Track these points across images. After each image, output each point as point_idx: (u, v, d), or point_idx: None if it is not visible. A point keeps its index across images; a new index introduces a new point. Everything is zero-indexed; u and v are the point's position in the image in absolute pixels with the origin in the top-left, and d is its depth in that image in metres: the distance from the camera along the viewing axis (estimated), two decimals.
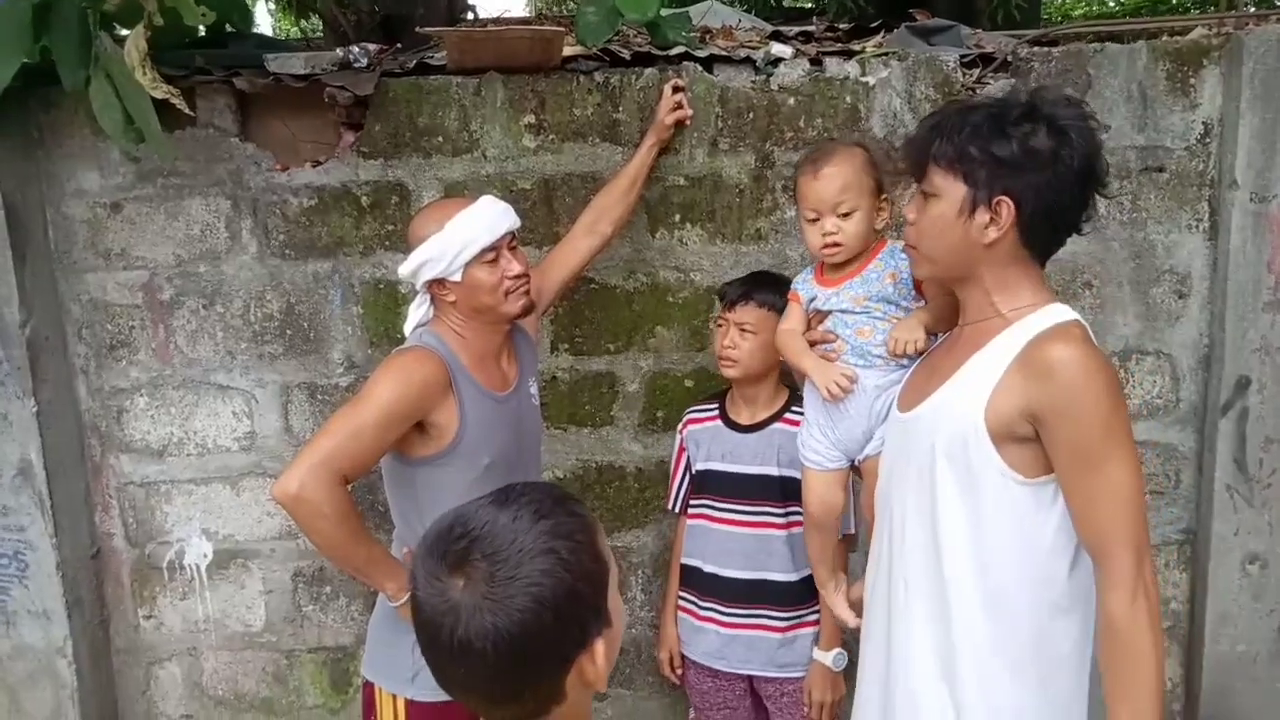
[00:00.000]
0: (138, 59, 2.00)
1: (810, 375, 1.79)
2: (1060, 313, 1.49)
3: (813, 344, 1.82)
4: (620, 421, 2.50)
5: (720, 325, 2.19)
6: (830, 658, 2.18)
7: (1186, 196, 2.34)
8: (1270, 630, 2.46)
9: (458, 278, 1.83)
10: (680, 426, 2.33)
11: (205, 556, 2.55)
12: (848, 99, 2.33)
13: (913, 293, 1.75)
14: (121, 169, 2.37)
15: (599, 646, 0.93)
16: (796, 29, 2.77)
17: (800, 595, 2.20)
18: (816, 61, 2.36)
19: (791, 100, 2.33)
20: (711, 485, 2.24)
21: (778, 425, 2.20)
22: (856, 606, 1.89)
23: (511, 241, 1.88)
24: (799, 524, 2.19)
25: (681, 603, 2.30)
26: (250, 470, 2.51)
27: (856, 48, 2.44)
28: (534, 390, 2.07)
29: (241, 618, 2.58)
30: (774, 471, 2.18)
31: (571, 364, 2.46)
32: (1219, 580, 2.44)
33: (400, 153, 2.37)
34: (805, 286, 1.87)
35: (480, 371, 1.91)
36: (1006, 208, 1.44)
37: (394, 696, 1.91)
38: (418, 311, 1.95)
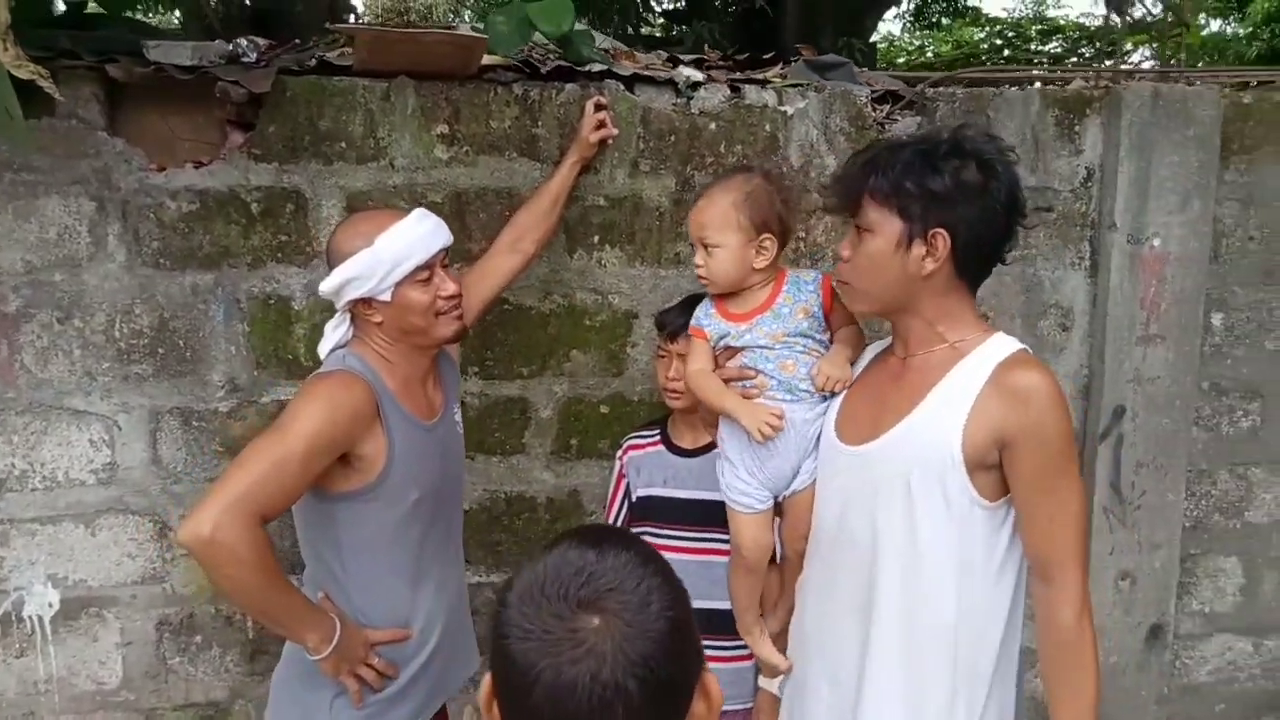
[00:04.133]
0: None
1: (736, 417, 1.70)
2: (1010, 341, 1.55)
3: (727, 381, 1.75)
4: (532, 449, 2.38)
5: (663, 357, 2.14)
6: (776, 685, 2.15)
7: (1070, 236, 2.50)
8: (1138, 642, 2.64)
9: (387, 297, 1.68)
10: (620, 453, 2.26)
11: (50, 606, 2.23)
12: (767, 127, 2.34)
13: (823, 325, 1.75)
14: None
15: (708, 678, 0.91)
16: (689, 57, 2.77)
17: None
18: (734, 88, 2.36)
19: (712, 125, 2.32)
20: (654, 512, 2.17)
21: None
22: (777, 642, 1.86)
23: (445, 259, 1.76)
24: None
25: None
26: (109, 506, 2.22)
27: (764, 77, 2.47)
28: (458, 417, 1.94)
29: (93, 674, 2.27)
30: (719, 496, 2.13)
31: (481, 388, 2.33)
32: (1094, 597, 2.57)
33: (297, 157, 2.17)
34: (712, 323, 1.80)
35: (407, 398, 1.76)
36: (942, 240, 1.49)
37: None
38: (336, 332, 1.78)
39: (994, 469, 1.50)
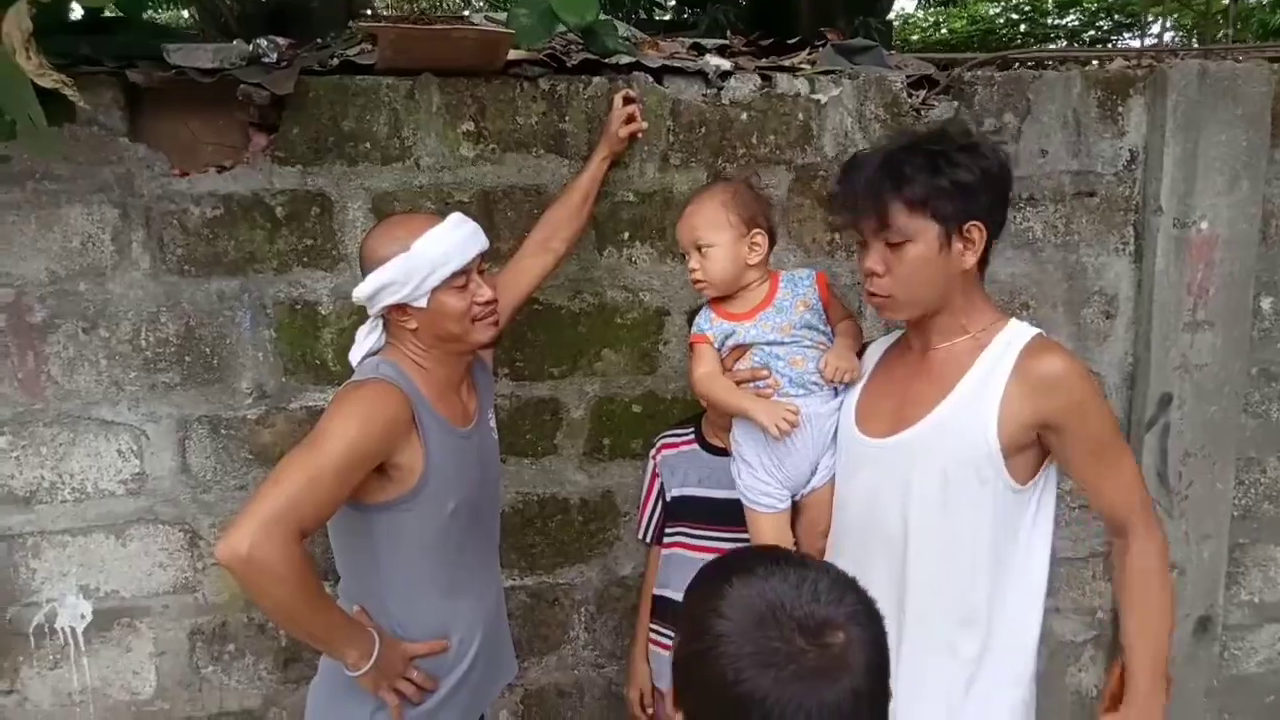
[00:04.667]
0: (19, 40, 1.68)
1: (753, 415, 1.69)
2: (1025, 327, 1.60)
3: (739, 382, 1.74)
4: (564, 450, 2.34)
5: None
6: None
7: (1114, 221, 2.43)
8: (1186, 634, 2.57)
9: (423, 304, 1.64)
10: (653, 452, 2.22)
11: (83, 618, 2.21)
12: (800, 116, 2.28)
13: (824, 318, 1.77)
14: None
15: None
16: (713, 42, 2.71)
17: None
18: (765, 77, 2.29)
19: (744, 115, 2.26)
20: (688, 512, 2.13)
21: None
22: None
23: (481, 265, 1.71)
24: None
25: (654, 636, 2.19)
26: (139, 517, 2.19)
27: (793, 64, 2.40)
28: (493, 423, 1.90)
29: (127, 685, 2.25)
30: None
31: (512, 390, 2.28)
32: None
33: (322, 159, 2.13)
34: (713, 326, 1.79)
35: (443, 405, 1.72)
36: (979, 231, 1.53)
37: None
38: (368, 339, 1.74)
39: (1027, 451, 1.55)
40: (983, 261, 1.59)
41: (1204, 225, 2.37)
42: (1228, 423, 2.49)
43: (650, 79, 2.22)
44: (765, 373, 1.72)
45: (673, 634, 2.07)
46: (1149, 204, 2.40)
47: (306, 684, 2.24)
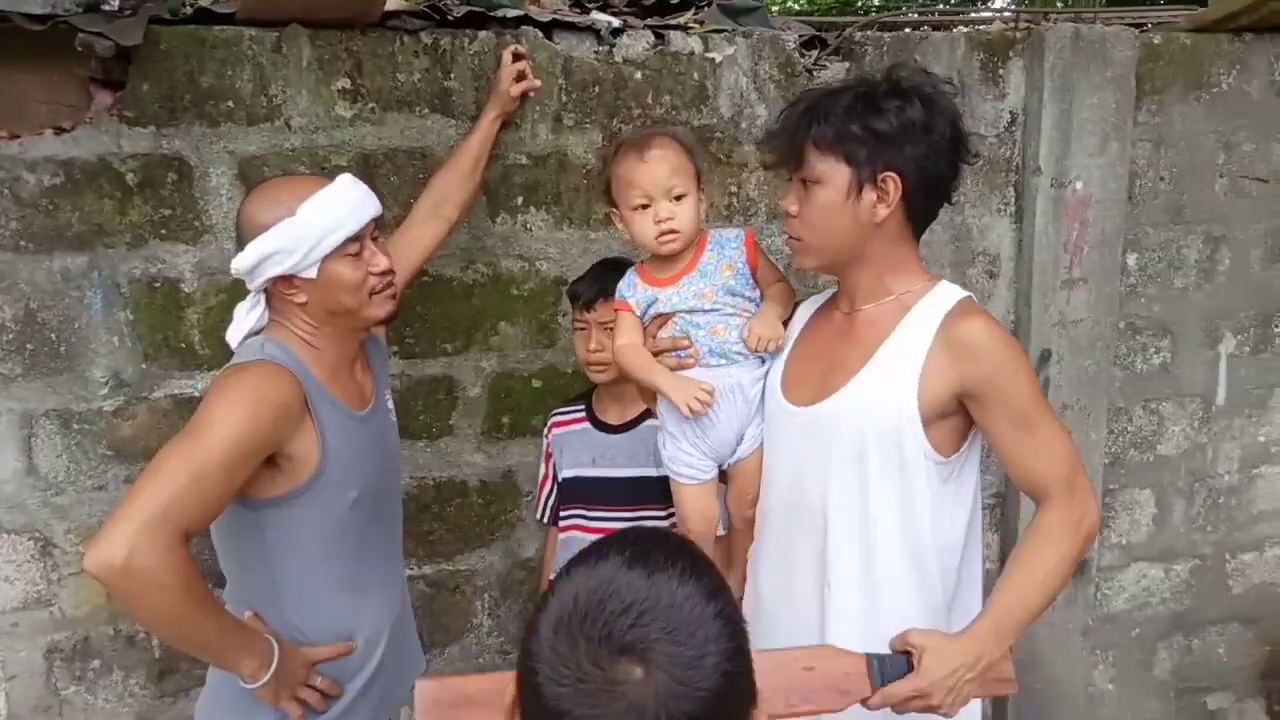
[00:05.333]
0: None
1: (666, 393, 1.62)
2: (953, 290, 1.53)
3: (659, 352, 1.66)
4: (460, 431, 2.22)
5: (581, 328, 2.00)
6: None
7: (996, 182, 2.48)
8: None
9: (312, 274, 1.49)
10: (545, 430, 2.13)
11: None
12: (695, 76, 2.21)
13: (751, 283, 1.68)
14: None
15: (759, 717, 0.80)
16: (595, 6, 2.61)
17: None
18: (658, 35, 2.21)
19: (638, 75, 2.17)
20: (582, 493, 2.06)
21: (652, 422, 2.06)
22: None
23: (374, 231, 1.57)
24: None
25: None
26: None
27: (681, 22, 2.33)
28: (391, 404, 1.76)
29: None
30: (652, 472, 2.04)
31: (403, 369, 2.14)
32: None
33: (178, 119, 1.91)
34: (636, 292, 1.70)
35: (337, 387, 1.58)
36: (894, 183, 1.45)
37: None
38: (249, 316, 1.57)
39: (949, 419, 1.49)
40: (915, 219, 1.52)
41: (1079, 185, 2.46)
42: (1100, 375, 2.61)
43: (540, 34, 2.11)
44: (685, 342, 1.64)
45: None
46: (1028, 165, 2.47)
47: (185, 697, 2.08)
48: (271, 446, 1.44)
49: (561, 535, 2.09)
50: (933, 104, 1.46)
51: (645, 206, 1.63)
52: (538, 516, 2.16)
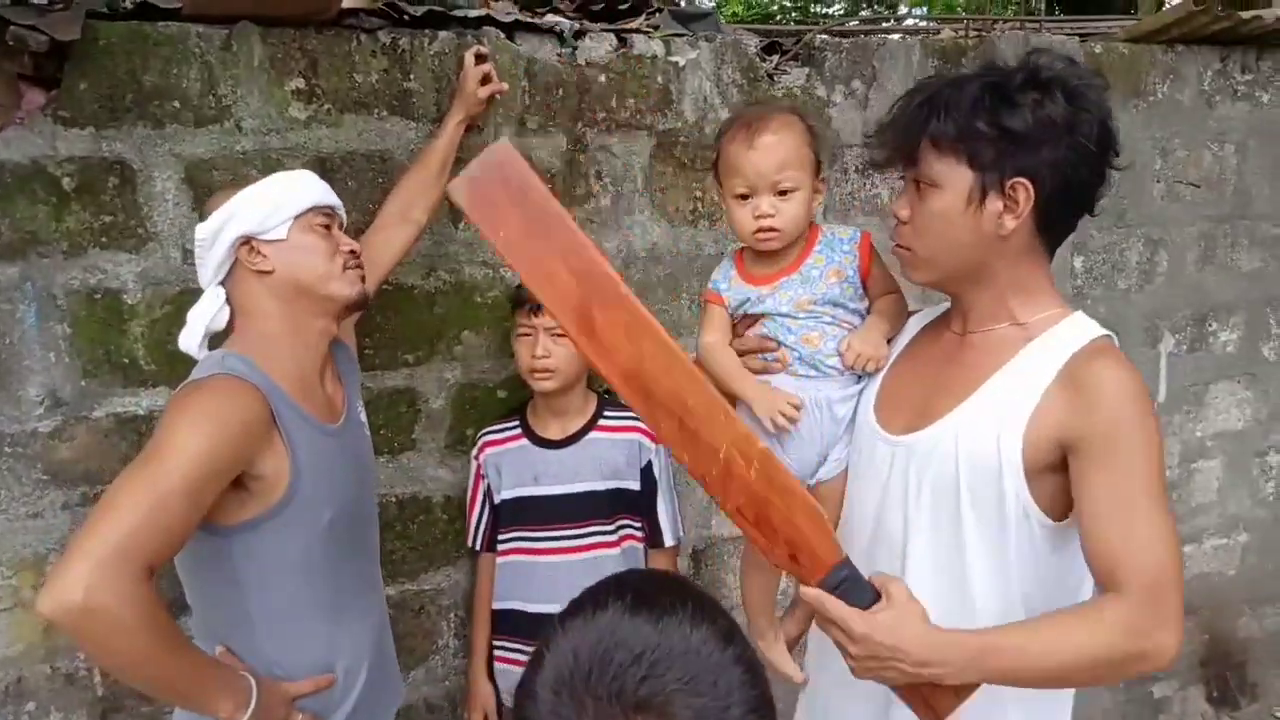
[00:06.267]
0: None
1: (749, 402, 1.45)
2: (1090, 325, 1.30)
3: (744, 353, 1.50)
4: (423, 445, 2.13)
5: (526, 334, 1.94)
6: None
7: None
8: None
9: (280, 234, 1.43)
10: (475, 452, 2.06)
11: None
12: (659, 79, 2.18)
13: (860, 292, 1.48)
14: None
15: None
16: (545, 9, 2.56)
17: None
18: (620, 38, 2.18)
19: (602, 77, 2.13)
20: (524, 514, 1.99)
21: (594, 434, 2.02)
22: (790, 649, 1.63)
23: (342, 226, 1.50)
24: (630, 537, 2.04)
25: (502, 653, 2.03)
26: None
27: (636, 27, 2.31)
28: (363, 415, 1.68)
29: None
30: (599, 486, 1.99)
31: (363, 381, 2.03)
32: None
33: (119, 121, 1.79)
34: (732, 287, 1.52)
35: (305, 399, 1.49)
36: (1024, 190, 1.23)
37: None
38: (206, 313, 1.48)
39: (1060, 474, 1.24)
40: (1048, 233, 1.29)
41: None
42: None
43: (502, 35, 2.05)
44: (773, 345, 1.47)
45: (527, 647, 1.92)
46: None
47: None
48: (237, 467, 1.35)
49: (500, 560, 2.01)
50: (1080, 98, 1.23)
51: (746, 197, 1.45)
52: (469, 543, 2.07)
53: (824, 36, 2.36)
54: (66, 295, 1.81)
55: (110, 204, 1.81)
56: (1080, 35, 2.68)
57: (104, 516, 1.23)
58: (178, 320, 1.56)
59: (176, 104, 1.82)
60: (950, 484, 1.30)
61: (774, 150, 1.42)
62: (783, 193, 1.43)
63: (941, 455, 1.31)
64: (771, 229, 1.44)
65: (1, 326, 1.78)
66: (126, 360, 1.87)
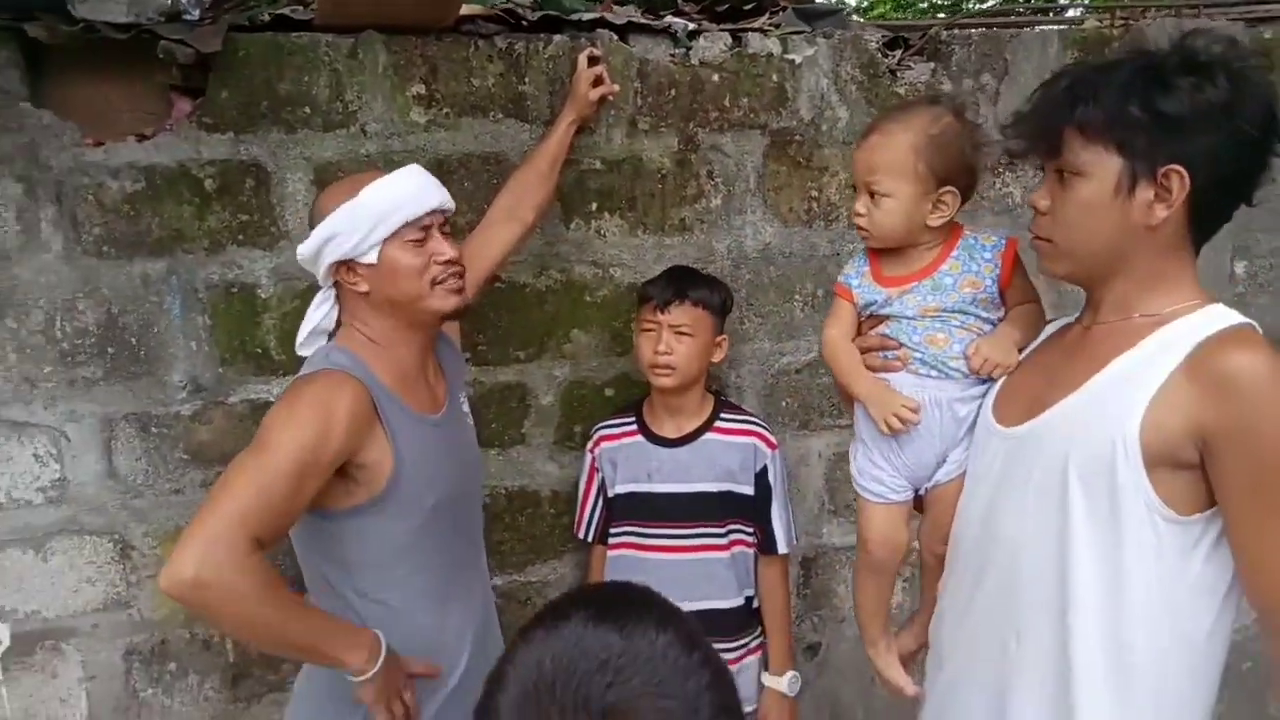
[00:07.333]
0: None
1: (865, 402, 1.44)
2: (1228, 313, 1.20)
3: (865, 350, 1.48)
4: (533, 439, 2.18)
5: (649, 330, 1.95)
6: (785, 682, 2.02)
7: None
8: None
9: (372, 259, 1.48)
10: (590, 445, 2.08)
11: (0, 643, 1.98)
12: (774, 78, 2.15)
13: (997, 302, 1.43)
14: None
15: None
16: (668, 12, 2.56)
17: (744, 620, 2.04)
18: (735, 37, 2.15)
19: (715, 77, 2.12)
20: (636, 510, 2.00)
21: (710, 435, 2.00)
22: (905, 663, 1.60)
23: (443, 224, 1.55)
24: (741, 542, 2.02)
25: None
26: (62, 528, 1.97)
27: (759, 25, 2.27)
28: (466, 407, 1.73)
29: (54, 714, 2.03)
30: (711, 487, 1.98)
31: (475, 375, 2.11)
32: None
33: (255, 126, 1.92)
34: (863, 285, 1.49)
35: (406, 391, 1.55)
36: (1179, 179, 1.15)
37: None
38: (317, 313, 1.57)
39: (1188, 470, 1.16)
40: (1199, 224, 1.20)
41: None
42: None
43: (615, 37, 2.07)
44: (894, 344, 1.45)
45: None
46: None
47: (258, 702, 2.09)
48: (341, 457, 1.42)
49: (611, 554, 2.03)
50: (1242, 81, 1.15)
51: (857, 190, 1.46)
52: (580, 534, 2.10)
53: (954, 30, 2.26)
54: (207, 289, 1.95)
55: (247, 204, 1.94)
56: (1248, 20, 2.46)
57: (216, 500, 1.32)
58: (305, 314, 1.66)
59: (307, 110, 1.93)
60: (1058, 473, 1.23)
61: (874, 151, 1.41)
62: (878, 195, 1.40)
63: (1051, 441, 1.25)
64: (861, 228, 1.45)
65: (150, 317, 1.94)
66: (259, 350, 2.00)
